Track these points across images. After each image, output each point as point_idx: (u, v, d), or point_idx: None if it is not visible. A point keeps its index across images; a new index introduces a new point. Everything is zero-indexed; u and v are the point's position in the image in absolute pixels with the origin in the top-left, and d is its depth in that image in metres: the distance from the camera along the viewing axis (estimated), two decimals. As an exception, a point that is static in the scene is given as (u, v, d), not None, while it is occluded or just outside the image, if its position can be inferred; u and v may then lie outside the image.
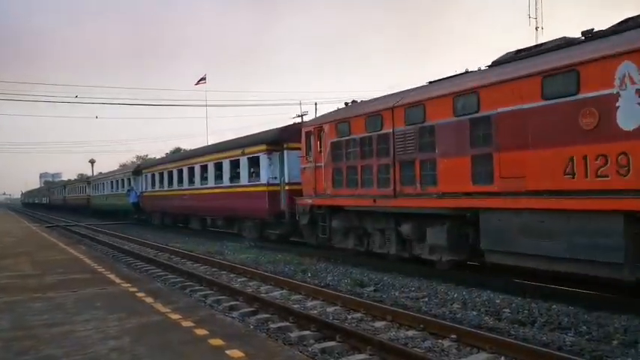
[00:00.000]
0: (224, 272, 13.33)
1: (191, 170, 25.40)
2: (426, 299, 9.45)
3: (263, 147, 18.43)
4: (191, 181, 25.33)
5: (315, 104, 50.45)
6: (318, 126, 15.25)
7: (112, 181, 40.86)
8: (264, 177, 18.39)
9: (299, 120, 39.36)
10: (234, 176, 20.80)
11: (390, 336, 7.16)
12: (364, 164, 13.05)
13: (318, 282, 11.49)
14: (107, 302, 8.21)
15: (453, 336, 6.85)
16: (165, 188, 28.93)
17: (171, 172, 28.15)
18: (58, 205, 69.54)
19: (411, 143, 11.62)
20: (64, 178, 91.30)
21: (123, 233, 26.79)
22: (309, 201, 15.30)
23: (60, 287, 9.63)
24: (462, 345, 6.67)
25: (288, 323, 7.90)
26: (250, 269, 13.01)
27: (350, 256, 14.16)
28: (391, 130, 12.13)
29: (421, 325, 7.38)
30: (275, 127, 20.40)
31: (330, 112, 15.49)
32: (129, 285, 9.77)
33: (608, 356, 6.06)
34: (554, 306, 8.26)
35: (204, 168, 23.88)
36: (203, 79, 44.73)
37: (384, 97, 13.35)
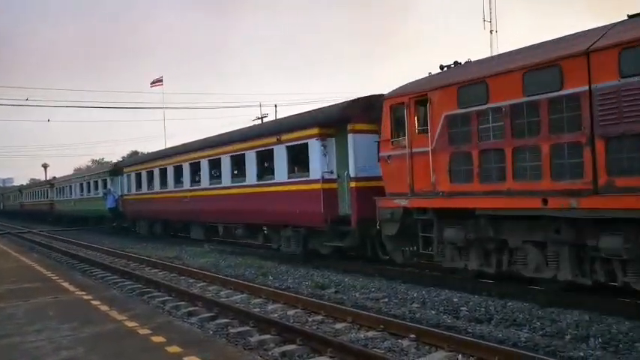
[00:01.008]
0: (183, 277, 13.12)
1: (194, 167, 20.23)
2: (386, 300, 9.52)
3: (314, 130, 13.47)
4: (195, 180, 20.33)
5: (275, 106, 50.30)
6: (419, 95, 10.59)
7: (82, 184, 35.46)
8: (316, 170, 13.39)
9: (258, 122, 39.36)
10: (265, 172, 15.95)
11: (350, 337, 7.18)
12: (520, 145, 8.62)
13: (279, 285, 11.44)
14: (60, 311, 7.97)
15: (412, 335, 6.92)
16: (156, 190, 23.58)
17: (165, 169, 22.78)
18: (14, 212, 63.80)
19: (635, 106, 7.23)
20: (16, 183, 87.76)
21: (78, 239, 26.05)
22: (402, 202, 10.75)
23: (10, 297, 9.30)
24: (421, 344, 6.74)
25: (248, 327, 7.82)
26: (210, 274, 12.85)
27: (314, 258, 14.11)
28: (586, 88, 7.72)
29: (381, 326, 7.43)
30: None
31: (433, 76, 10.85)
32: (83, 293, 9.51)
33: (561, 351, 6.23)
34: (509, 303, 8.45)
35: (214, 163, 18.78)
36: (159, 80, 44.01)
37: (553, 41, 8.90)
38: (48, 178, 58.36)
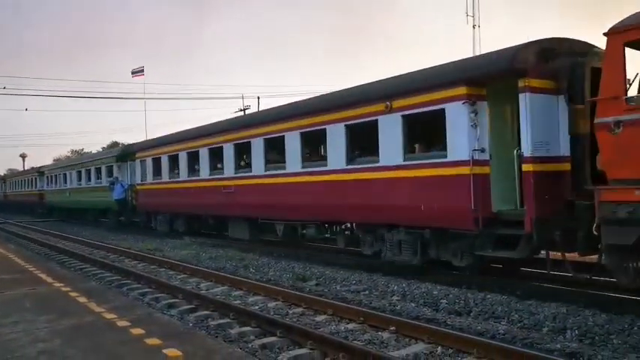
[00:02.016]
0: (163, 269, 13.02)
1: (242, 149, 15.97)
2: (367, 292, 9.55)
3: (458, 90, 9.41)
4: (241, 166, 16.16)
5: (258, 98, 50.01)
6: None
7: (80, 171, 30.95)
8: (460, 148, 9.45)
9: (240, 114, 39.14)
10: (361, 152, 12.07)
11: (330, 329, 7.19)
12: None
13: (260, 277, 11.42)
14: (37, 303, 7.86)
15: (392, 328, 6.95)
16: (182, 178, 19.07)
17: (195, 153, 18.20)
18: None
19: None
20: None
21: (57, 231, 25.71)
22: None
23: (-15, 289, 9.13)
24: (401, 336, 6.77)
25: (228, 320, 7.79)
26: (191, 266, 12.77)
27: (292, 249, 14.09)
28: None
29: (361, 318, 7.46)
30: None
31: None
32: (61, 284, 9.39)
33: (538, 343, 6.31)
34: (488, 296, 8.53)
35: (273, 144, 14.50)
36: (140, 70, 43.51)
37: None
38: (26, 168, 56.96)
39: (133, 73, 45.46)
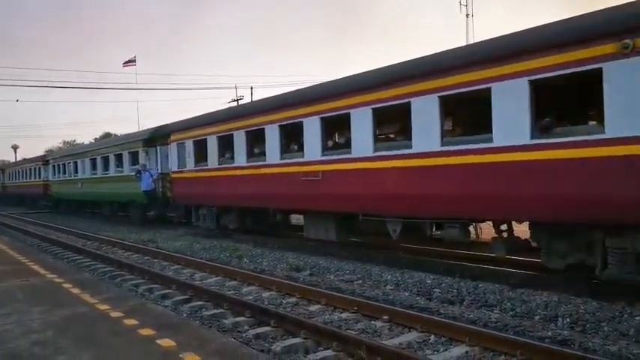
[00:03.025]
0: (157, 260, 13.01)
1: (333, 123, 12.35)
2: (361, 282, 9.59)
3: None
4: (329, 147, 12.17)
5: (251, 88, 49.91)
6: None
7: (95, 159, 26.63)
8: None
9: (234, 104, 38.96)
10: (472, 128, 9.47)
11: (324, 319, 7.22)
12: None
13: (254, 268, 11.43)
14: (30, 294, 7.84)
15: (386, 317, 6.99)
16: (239, 164, 14.75)
17: (259, 132, 13.99)
18: None
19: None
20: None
21: (50, 222, 25.61)
22: None
23: (-22, 280, 9.10)
24: (394, 325, 6.82)
25: (222, 310, 7.81)
26: (184, 257, 12.77)
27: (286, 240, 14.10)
28: None
29: (355, 308, 7.49)
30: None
31: None
32: (54, 276, 9.36)
33: (530, 331, 6.36)
34: (481, 284, 8.59)
35: (387, 115, 11.21)
36: (132, 60, 43.17)
37: None
38: (18, 160, 56.21)
39: (124, 63, 45.10)
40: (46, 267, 10.45)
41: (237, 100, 43.10)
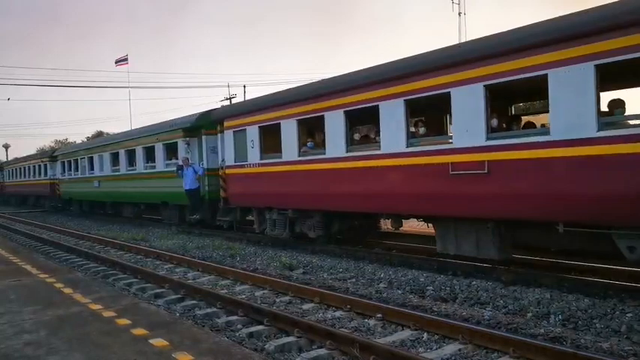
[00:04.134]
0: (149, 259, 12.97)
1: (502, 92, 9.09)
2: (354, 280, 9.60)
3: None
4: (494, 128, 8.80)
5: (244, 87, 49.80)
6: None
7: (118, 153, 22.90)
8: None
9: (227, 103, 38.82)
10: None
11: (317, 317, 7.23)
12: None
13: (247, 266, 11.42)
14: (22, 294, 7.79)
15: (379, 315, 7.00)
16: (333, 154, 11.51)
17: (371, 110, 10.59)
18: None
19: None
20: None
21: (41, 221, 25.46)
22: None
23: (-31, 281, 9.03)
24: (387, 323, 6.83)
25: (215, 309, 7.80)
26: (177, 255, 12.73)
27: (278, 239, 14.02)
28: None
29: (348, 306, 7.50)
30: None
31: None
32: (46, 275, 9.31)
33: (523, 328, 6.39)
34: (474, 282, 8.62)
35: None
36: (124, 59, 42.99)
37: None
38: (9, 159, 55.47)
39: (117, 62, 44.92)
40: (37, 266, 10.39)
41: (230, 98, 42.99)
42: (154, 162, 20.02)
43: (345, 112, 11.18)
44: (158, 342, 5.26)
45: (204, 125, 16.89)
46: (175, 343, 5.24)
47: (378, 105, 10.33)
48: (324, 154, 11.76)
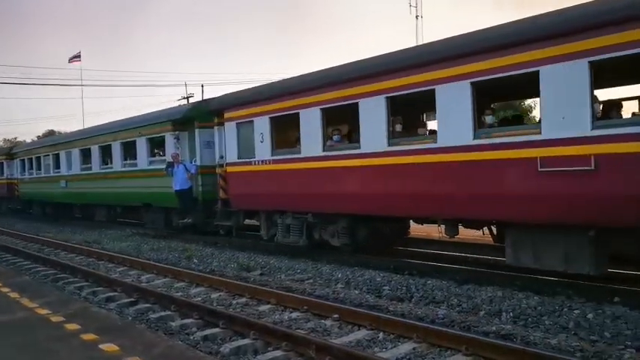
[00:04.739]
0: (102, 262, 12.63)
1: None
2: (311, 281, 9.60)
3: None
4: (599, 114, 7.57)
5: (202, 86, 49.06)
6: None
7: (89, 149, 20.57)
8: None
9: (184, 102, 38.15)
10: None
11: (274, 319, 7.18)
12: None
13: (203, 268, 11.27)
14: (-36, 300, 7.46)
15: (335, 315, 7.01)
16: (387, 148, 9.54)
17: (432, 93, 8.70)
18: None
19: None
20: None
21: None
22: None
23: None
24: (344, 323, 6.85)
25: (169, 312, 7.65)
26: (131, 258, 12.44)
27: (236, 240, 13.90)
28: None
29: (305, 307, 7.48)
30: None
31: None
32: (-9, 280, 8.95)
33: (475, 326, 6.51)
34: (429, 281, 8.73)
35: None
36: (77, 56, 41.83)
37: None
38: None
39: (70, 59, 43.66)
40: (-18, 271, 9.99)
41: (187, 97, 42.35)
42: (135, 159, 17.72)
43: (388, 98, 9.44)
44: (108, 347, 5.13)
45: (197, 117, 15.08)
46: (126, 347, 5.12)
47: (434, 89, 8.62)
48: (359, 148, 10.03)
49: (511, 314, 6.93)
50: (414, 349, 5.83)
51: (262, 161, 12.32)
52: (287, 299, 7.91)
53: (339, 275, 9.71)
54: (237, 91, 13.77)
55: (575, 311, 6.80)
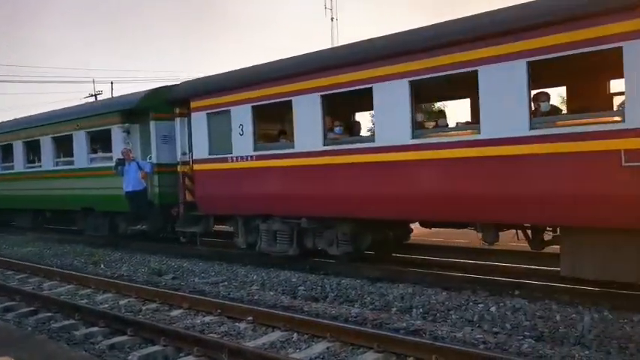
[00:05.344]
0: (-1, 269, 11.78)
1: None
2: (226, 283, 9.45)
3: None
4: None
5: (112, 83, 46.98)
6: None
7: (10, 146, 17.97)
8: None
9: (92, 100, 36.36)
10: None
11: (186, 324, 6.99)
12: None
13: (111, 273, 10.79)
14: None
15: (250, 318, 6.92)
16: (410, 141, 8.20)
17: (475, 75, 7.47)
18: None
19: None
20: None
21: None
22: None
23: None
24: (258, 326, 6.78)
25: (73, 321, 7.23)
26: (32, 264, 11.67)
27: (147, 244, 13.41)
28: None
29: (218, 310, 7.34)
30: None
31: None
32: None
33: (387, 323, 6.66)
34: (343, 280, 8.85)
35: None
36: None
37: None
38: None
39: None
40: None
41: (96, 95, 40.50)
42: (71, 156, 15.26)
43: (412, 82, 8.11)
44: (3, 361, 4.77)
45: (152, 107, 13.09)
46: (23, 361, 4.78)
47: (477, 70, 7.41)
48: (373, 141, 8.74)
49: (421, 310, 7.17)
50: (327, 348, 5.87)
51: (241, 157, 10.62)
52: (200, 303, 7.73)
53: (255, 277, 9.62)
54: (208, 77, 11.96)
55: (479, 305, 7.14)
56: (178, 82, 12.77)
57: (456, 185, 7.69)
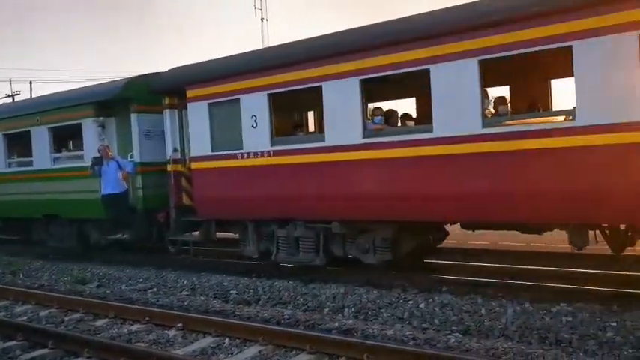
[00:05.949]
0: None
1: None
2: (155, 289, 9.20)
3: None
4: None
5: (30, 83, 44.43)
6: None
7: None
8: None
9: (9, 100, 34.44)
10: None
11: (112, 333, 6.72)
12: None
13: (31, 283, 10.23)
14: None
15: (179, 324, 6.74)
16: (481, 130, 7.04)
17: (569, 51, 6.39)
18: None
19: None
20: None
21: None
22: None
23: None
24: (188, 332, 6.62)
25: (-12, 336, 6.80)
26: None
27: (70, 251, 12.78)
28: None
29: (147, 318, 7.10)
30: None
31: None
32: None
33: (319, 323, 6.67)
34: (276, 283, 8.80)
35: None
36: None
37: None
38: None
39: None
40: None
41: (13, 95, 38.39)
42: (30, 156, 13.26)
43: (481, 62, 6.97)
44: None
45: (134, 98, 11.32)
46: None
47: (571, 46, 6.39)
48: (431, 131, 7.48)
49: (353, 309, 7.24)
50: (259, 352, 5.81)
51: (255, 154, 9.22)
52: (127, 311, 7.46)
53: (185, 282, 9.41)
54: (209, 60, 10.32)
55: (409, 302, 7.28)
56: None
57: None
